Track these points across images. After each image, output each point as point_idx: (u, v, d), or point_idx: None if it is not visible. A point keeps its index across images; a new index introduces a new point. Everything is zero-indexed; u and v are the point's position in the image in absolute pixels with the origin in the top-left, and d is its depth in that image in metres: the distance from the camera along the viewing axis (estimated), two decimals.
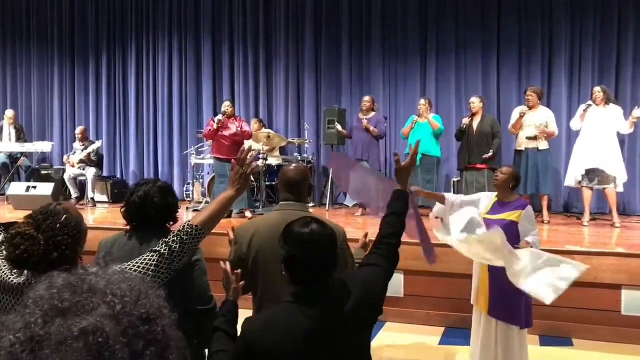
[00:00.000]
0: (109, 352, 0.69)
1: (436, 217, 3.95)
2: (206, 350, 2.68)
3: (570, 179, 6.70)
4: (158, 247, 1.85)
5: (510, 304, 3.55)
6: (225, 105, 7.26)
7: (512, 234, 3.53)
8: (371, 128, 7.41)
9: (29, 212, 1.87)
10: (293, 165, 2.74)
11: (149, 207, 2.49)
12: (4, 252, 1.81)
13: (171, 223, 2.61)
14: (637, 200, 7.69)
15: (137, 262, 1.83)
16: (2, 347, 0.69)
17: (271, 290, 2.46)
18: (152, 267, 1.80)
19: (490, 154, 6.83)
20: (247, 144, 6.81)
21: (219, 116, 7.16)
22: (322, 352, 1.78)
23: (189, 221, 1.93)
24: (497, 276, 3.51)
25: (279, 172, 2.73)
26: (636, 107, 6.58)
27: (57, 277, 0.78)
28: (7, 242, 1.75)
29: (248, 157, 2.11)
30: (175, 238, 1.86)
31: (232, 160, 2.16)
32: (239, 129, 7.08)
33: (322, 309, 1.78)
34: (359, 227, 6.53)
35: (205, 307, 2.55)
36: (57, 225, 1.75)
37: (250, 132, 7.43)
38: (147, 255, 1.84)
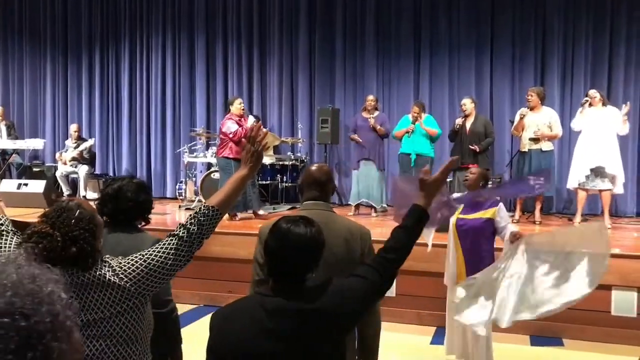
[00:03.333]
0: None
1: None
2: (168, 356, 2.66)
3: (573, 180, 6.64)
4: (177, 230, 1.86)
5: None
6: (240, 102, 7.09)
7: (489, 230, 3.79)
8: (378, 127, 7.41)
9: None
10: (317, 165, 2.74)
11: (120, 201, 2.51)
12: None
13: (143, 224, 2.61)
14: (628, 202, 7.74)
15: (157, 248, 1.84)
16: None
17: None
18: (172, 251, 1.82)
19: (477, 148, 6.85)
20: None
21: (252, 119, 7.01)
22: (273, 353, 1.74)
23: (205, 203, 1.93)
24: (473, 264, 3.72)
25: (304, 171, 2.72)
26: (624, 104, 6.61)
27: None
28: (24, 242, 1.75)
29: (259, 134, 2.07)
30: (193, 220, 1.86)
31: (243, 139, 2.14)
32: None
33: (285, 308, 1.75)
34: None
35: (160, 310, 2.42)
36: (72, 221, 1.76)
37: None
38: (167, 240, 1.85)
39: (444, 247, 5.05)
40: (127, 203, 2.51)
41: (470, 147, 6.89)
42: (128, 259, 1.83)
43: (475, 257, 3.79)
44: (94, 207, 2.05)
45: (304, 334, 1.75)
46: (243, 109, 7.10)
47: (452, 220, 3.84)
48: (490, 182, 6.58)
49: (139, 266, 1.81)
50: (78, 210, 1.79)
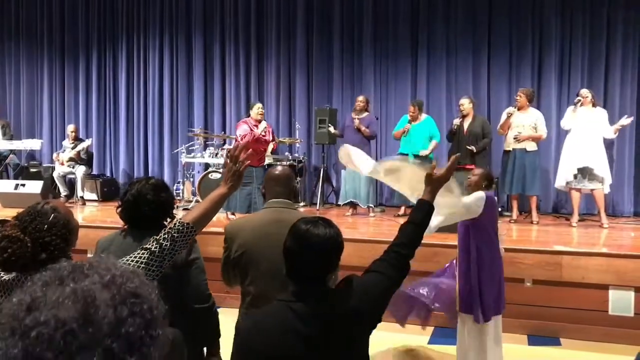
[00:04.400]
0: (94, 310, 0.79)
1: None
2: (205, 349, 2.68)
3: (561, 180, 6.72)
4: (149, 244, 1.83)
5: (470, 297, 3.63)
6: (259, 107, 7.00)
7: (467, 231, 3.71)
8: (362, 128, 7.40)
9: (17, 209, 1.85)
10: (278, 166, 2.80)
11: (142, 205, 2.48)
12: None
13: (168, 220, 2.58)
14: (626, 201, 7.76)
15: (127, 260, 1.81)
16: (4, 309, 0.80)
17: (261, 288, 2.47)
18: (142, 265, 1.78)
19: (474, 148, 6.86)
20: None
21: (264, 124, 6.95)
22: (305, 357, 1.74)
23: (180, 219, 1.91)
24: (465, 272, 3.68)
25: (265, 174, 2.76)
26: (625, 116, 6.68)
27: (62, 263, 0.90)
28: None
29: (242, 154, 2.06)
30: (166, 236, 1.84)
31: (224, 157, 2.14)
32: (269, 134, 7.04)
33: (314, 312, 1.75)
34: (349, 227, 6.54)
35: (203, 305, 2.55)
36: (45, 227, 1.73)
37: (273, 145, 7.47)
38: (138, 253, 1.82)
39: (441, 246, 5.07)
40: (149, 205, 2.48)
41: (468, 147, 6.91)
42: None
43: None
44: (69, 209, 2.02)
45: (335, 337, 1.75)
46: (261, 114, 6.99)
47: None
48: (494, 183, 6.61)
49: None
50: (52, 215, 1.77)
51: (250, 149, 2.27)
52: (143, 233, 2.41)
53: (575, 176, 6.58)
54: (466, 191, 3.86)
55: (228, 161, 2.07)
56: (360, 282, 1.88)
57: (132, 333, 0.80)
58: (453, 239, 4.23)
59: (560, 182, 6.77)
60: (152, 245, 1.82)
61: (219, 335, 2.70)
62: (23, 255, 1.69)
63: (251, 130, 6.79)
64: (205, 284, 2.59)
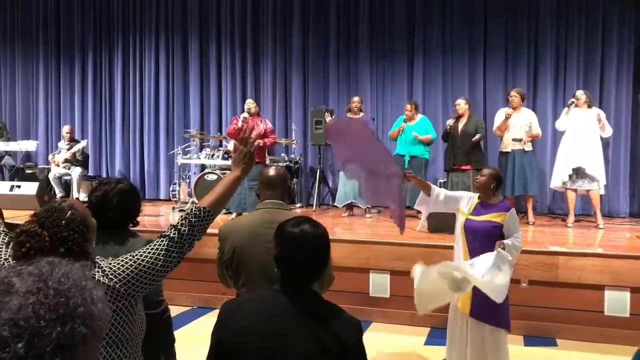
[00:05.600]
0: (4, 294, 0.85)
1: (418, 212, 3.98)
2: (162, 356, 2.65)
3: (557, 180, 6.74)
4: (167, 231, 1.85)
5: (496, 306, 3.51)
6: (249, 103, 7.30)
7: (497, 236, 3.55)
8: None
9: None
10: (272, 167, 2.78)
11: (106, 210, 2.44)
12: (11, 251, 1.79)
13: (131, 225, 2.55)
14: (621, 202, 7.79)
15: (147, 249, 1.82)
16: None
17: (253, 288, 2.46)
18: (162, 252, 1.79)
19: (478, 137, 6.86)
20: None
21: (245, 114, 7.16)
22: (286, 346, 1.72)
23: (196, 204, 1.91)
24: None
25: (259, 174, 2.75)
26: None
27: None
28: (12, 241, 1.73)
29: (252, 135, 2.07)
30: (184, 222, 1.84)
31: (234, 141, 2.14)
32: (265, 128, 7.09)
33: (293, 310, 1.75)
34: (346, 228, 6.54)
35: (152, 311, 2.43)
36: (63, 222, 1.74)
37: (273, 140, 7.42)
38: (158, 240, 1.83)
39: (437, 247, 5.08)
40: (113, 211, 2.44)
41: (474, 139, 6.88)
42: (118, 260, 1.81)
43: None
44: (86, 209, 2.02)
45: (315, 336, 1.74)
46: (249, 109, 7.23)
47: (461, 221, 3.70)
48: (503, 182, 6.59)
49: (129, 267, 1.78)
50: (70, 212, 1.78)
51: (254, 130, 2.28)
52: (104, 235, 2.36)
53: (570, 176, 6.61)
54: (475, 191, 3.81)
55: (238, 144, 2.06)
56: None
57: (27, 323, 0.82)
58: (450, 240, 4.23)
59: (556, 183, 6.80)
60: (171, 232, 1.83)
61: (173, 342, 2.68)
62: (41, 249, 1.69)
63: (235, 124, 7.01)
64: (157, 290, 2.53)
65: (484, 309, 3.55)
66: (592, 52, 7.90)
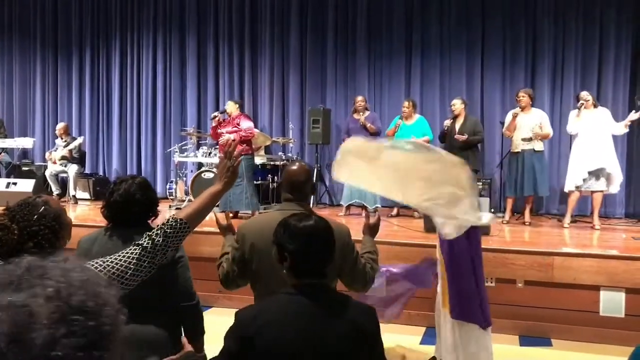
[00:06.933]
0: (27, 328, 0.72)
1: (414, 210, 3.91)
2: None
3: (570, 184, 6.64)
4: (141, 240, 1.79)
5: (468, 302, 3.46)
6: (227, 105, 7.23)
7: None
8: (368, 125, 7.41)
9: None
10: (297, 164, 2.73)
11: (131, 205, 2.47)
12: None
13: (153, 219, 2.58)
14: (617, 203, 7.80)
15: (118, 256, 1.76)
16: None
17: (269, 288, 2.47)
18: (134, 261, 1.72)
19: (465, 136, 6.85)
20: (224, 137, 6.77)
21: (215, 113, 7.19)
22: (316, 344, 1.76)
23: (173, 215, 1.87)
24: (455, 275, 3.53)
25: (283, 171, 2.72)
26: (633, 111, 6.67)
27: (12, 261, 0.83)
28: None
29: (236, 150, 2.06)
30: (159, 232, 1.79)
31: (219, 154, 2.15)
32: (234, 128, 6.98)
33: (315, 306, 1.79)
34: None
35: (189, 303, 2.57)
36: (35, 217, 1.73)
37: (248, 131, 6.99)
38: (130, 249, 1.77)
39: (433, 247, 5.07)
40: (139, 206, 2.49)
41: (456, 136, 6.88)
42: (89, 264, 1.72)
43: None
44: (62, 206, 2.00)
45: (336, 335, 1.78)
46: (228, 108, 7.16)
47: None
48: (480, 183, 6.59)
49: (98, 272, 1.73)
50: (43, 207, 1.77)
51: (241, 147, 2.29)
52: (129, 232, 2.38)
53: (584, 180, 6.53)
54: None
55: (222, 157, 2.07)
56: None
57: (65, 356, 0.73)
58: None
59: (570, 186, 6.68)
60: (144, 241, 1.77)
61: (203, 333, 2.70)
62: (9, 242, 1.68)
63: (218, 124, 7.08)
64: (191, 282, 2.61)
65: (455, 304, 3.53)
66: (590, 52, 7.91)
